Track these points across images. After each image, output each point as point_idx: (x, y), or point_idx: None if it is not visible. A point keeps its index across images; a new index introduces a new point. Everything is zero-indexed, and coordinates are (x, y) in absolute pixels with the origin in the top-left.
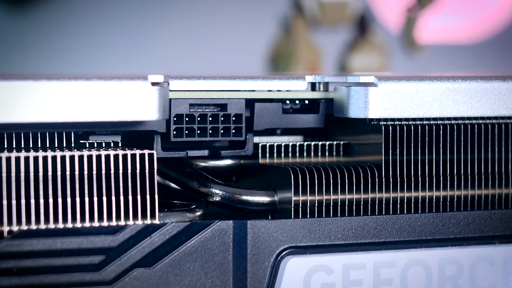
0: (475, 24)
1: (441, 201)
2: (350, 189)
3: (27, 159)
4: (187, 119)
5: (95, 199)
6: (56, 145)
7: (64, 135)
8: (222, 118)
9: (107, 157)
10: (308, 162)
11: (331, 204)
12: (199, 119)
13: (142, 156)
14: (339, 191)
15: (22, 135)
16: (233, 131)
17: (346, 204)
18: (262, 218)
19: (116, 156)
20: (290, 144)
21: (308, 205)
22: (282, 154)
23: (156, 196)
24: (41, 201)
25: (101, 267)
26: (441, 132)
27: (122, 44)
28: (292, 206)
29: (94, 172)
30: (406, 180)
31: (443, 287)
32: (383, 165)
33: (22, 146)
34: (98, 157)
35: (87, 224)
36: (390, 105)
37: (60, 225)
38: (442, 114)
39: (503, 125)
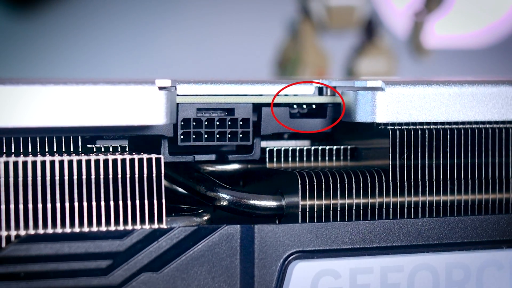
0: (483, 29)
1: (448, 206)
2: (358, 194)
3: (34, 163)
4: (194, 123)
5: (103, 203)
6: (63, 150)
7: (71, 139)
8: (229, 123)
9: (115, 161)
10: (316, 166)
11: (339, 209)
12: (206, 123)
13: (149, 160)
14: (346, 195)
15: (29, 140)
16: (241, 135)
17: (354, 208)
18: (269, 222)
19: (123, 161)
20: (298, 148)
21: (316, 210)
22: (290, 159)
23: (163, 201)
24: (49, 205)
25: (108, 272)
26: (448, 136)
27: (130, 48)
28: (300, 210)
29: (102, 176)
30: (413, 185)
31: None
32: (390, 169)
33: (30, 150)
34: (106, 161)
35: (95, 228)
36: (398, 109)
37: (68, 230)
38: (449, 118)
39: (510, 130)
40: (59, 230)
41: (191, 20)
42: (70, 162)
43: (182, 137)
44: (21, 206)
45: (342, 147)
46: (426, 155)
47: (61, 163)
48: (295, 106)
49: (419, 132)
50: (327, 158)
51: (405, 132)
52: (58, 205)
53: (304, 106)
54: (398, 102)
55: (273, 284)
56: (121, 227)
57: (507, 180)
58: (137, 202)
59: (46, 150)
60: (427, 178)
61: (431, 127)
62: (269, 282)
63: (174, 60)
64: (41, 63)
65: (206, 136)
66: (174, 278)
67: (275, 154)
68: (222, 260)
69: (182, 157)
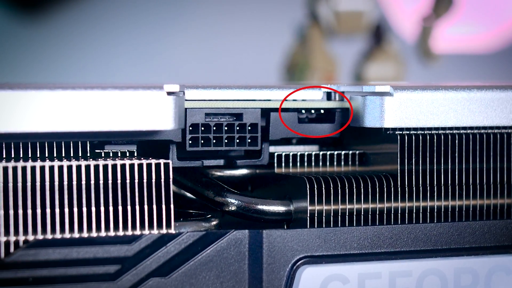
0: (491, 33)
1: (456, 211)
2: (366, 199)
3: (42, 168)
4: (202, 128)
5: (111, 208)
6: (71, 155)
7: (79, 144)
8: (237, 128)
9: (123, 166)
10: (324, 171)
11: (347, 214)
12: (214, 128)
13: (157, 165)
14: (354, 200)
15: (38, 145)
16: (249, 140)
17: (362, 213)
18: (277, 227)
19: (131, 166)
20: (306, 153)
21: (324, 215)
22: (298, 164)
23: (172, 206)
24: (57, 210)
25: (116, 277)
26: (456, 141)
27: (138, 53)
28: (308, 215)
29: (110, 181)
30: (421, 190)
31: None
32: (398, 174)
33: (38, 155)
34: (114, 166)
35: (103, 233)
36: (406, 114)
37: (76, 235)
38: (457, 123)
39: None
40: (67, 235)
41: (200, 25)
42: (78, 167)
43: (190, 142)
44: (29, 211)
45: (350, 152)
46: (435, 160)
47: (69, 168)
48: (303, 111)
49: (428, 137)
50: (335, 163)
51: (414, 137)
52: (66, 210)
53: (313, 111)
54: (407, 107)
55: None
56: (129, 232)
57: None
58: (146, 207)
59: (54, 155)
60: (435, 183)
61: (440, 132)
62: (278, 287)
63: (182, 65)
64: (50, 69)
65: (214, 141)
66: (182, 283)
67: (283, 159)
68: (231, 265)
69: (190, 162)
